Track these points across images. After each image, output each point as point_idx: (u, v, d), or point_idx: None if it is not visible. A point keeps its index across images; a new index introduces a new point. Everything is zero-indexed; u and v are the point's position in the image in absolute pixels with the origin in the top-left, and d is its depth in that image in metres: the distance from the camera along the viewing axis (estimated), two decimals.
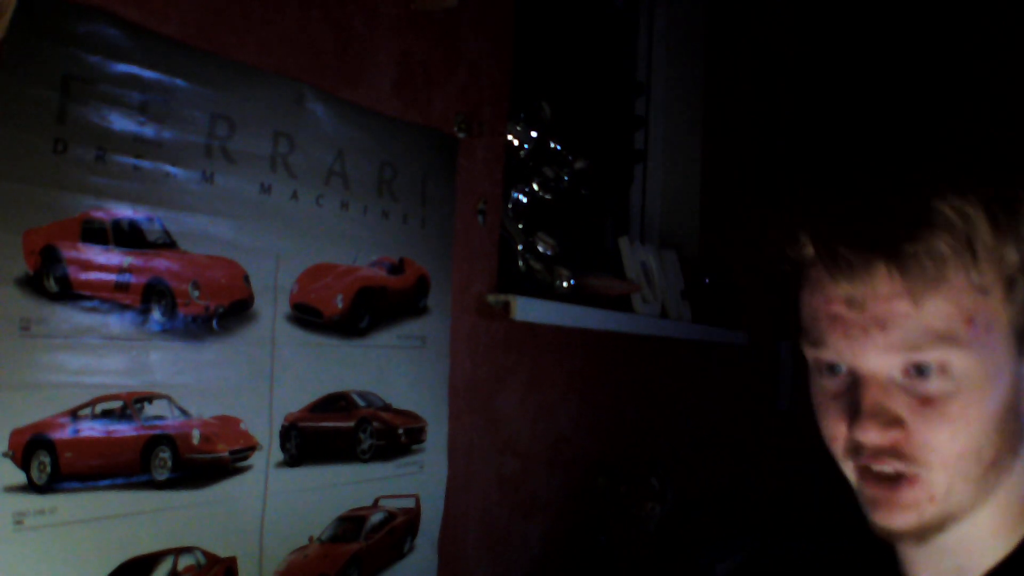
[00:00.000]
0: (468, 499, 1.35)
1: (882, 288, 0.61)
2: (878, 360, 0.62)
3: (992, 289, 0.61)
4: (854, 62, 2.74)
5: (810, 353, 0.68)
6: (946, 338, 0.60)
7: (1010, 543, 0.66)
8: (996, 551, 0.66)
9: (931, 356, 0.61)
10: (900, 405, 0.62)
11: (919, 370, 0.62)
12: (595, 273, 1.70)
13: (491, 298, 1.38)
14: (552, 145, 1.63)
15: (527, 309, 1.38)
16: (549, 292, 1.52)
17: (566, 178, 1.66)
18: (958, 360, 0.61)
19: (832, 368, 0.66)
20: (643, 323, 1.83)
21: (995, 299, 0.62)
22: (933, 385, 0.61)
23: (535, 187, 1.61)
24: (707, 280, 2.25)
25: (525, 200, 1.60)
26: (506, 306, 1.36)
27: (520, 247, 1.52)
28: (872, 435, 0.62)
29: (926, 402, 0.62)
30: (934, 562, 0.67)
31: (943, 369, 0.61)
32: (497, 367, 1.42)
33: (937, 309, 0.60)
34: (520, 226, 1.54)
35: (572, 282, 1.55)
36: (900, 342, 0.61)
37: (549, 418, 1.58)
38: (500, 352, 1.43)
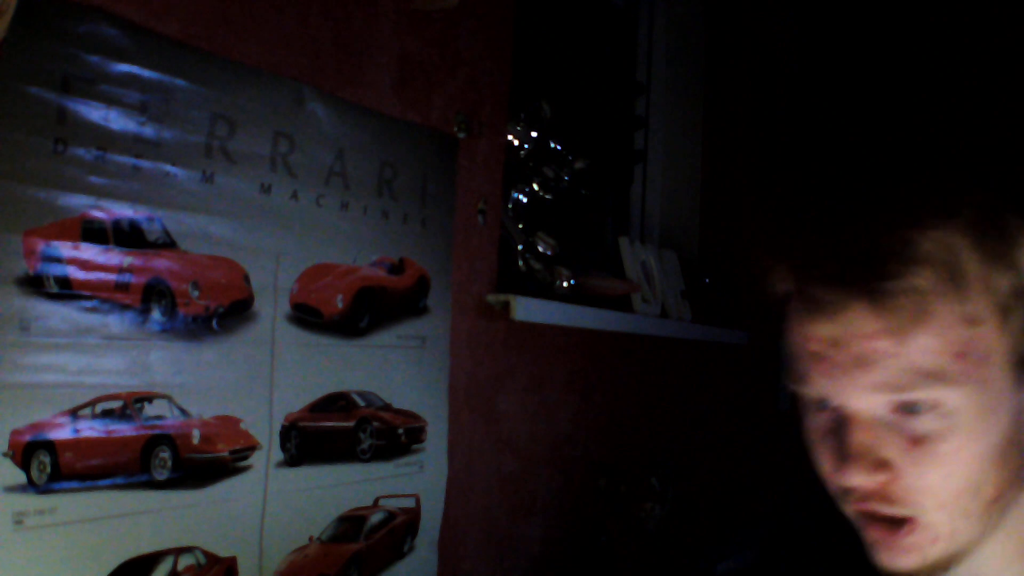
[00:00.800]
0: (468, 499, 1.35)
1: (861, 327, 0.57)
2: (863, 400, 0.59)
3: (985, 319, 0.57)
4: (842, 63, 2.74)
5: (795, 389, 0.64)
6: (934, 376, 0.56)
7: (1020, 570, 0.64)
8: None
9: (919, 396, 0.57)
10: (889, 446, 0.59)
11: (908, 408, 0.58)
12: (595, 273, 1.70)
13: (491, 298, 1.38)
14: (552, 145, 1.63)
15: (527, 309, 1.38)
16: (549, 292, 1.52)
17: (566, 178, 1.66)
18: (950, 398, 0.57)
19: (820, 403, 0.63)
20: (643, 323, 1.83)
21: (989, 329, 0.58)
22: (924, 424, 0.58)
23: (535, 187, 1.61)
24: (707, 280, 2.25)
25: (525, 200, 1.60)
26: (506, 306, 1.36)
27: (520, 247, 1.52)
28: (858, 479, 0.59)
29: (916, 443, 0.58)
30: None
31: (934, 407, 0.57)
32: (497, 367, 1.42)
33: (923, 346, 0.56)
34: (520, 226, 1.54)
35: (572, 282, 1.55)
36: (884, 382, 0.57)
37: (549, 418, 1.58)
38: (500, 352, 1.43)
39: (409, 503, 1.21)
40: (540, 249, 1.53)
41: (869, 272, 0.57)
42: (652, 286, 1.93)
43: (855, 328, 0.58)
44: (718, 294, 2.28)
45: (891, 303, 0.56)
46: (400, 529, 1.19)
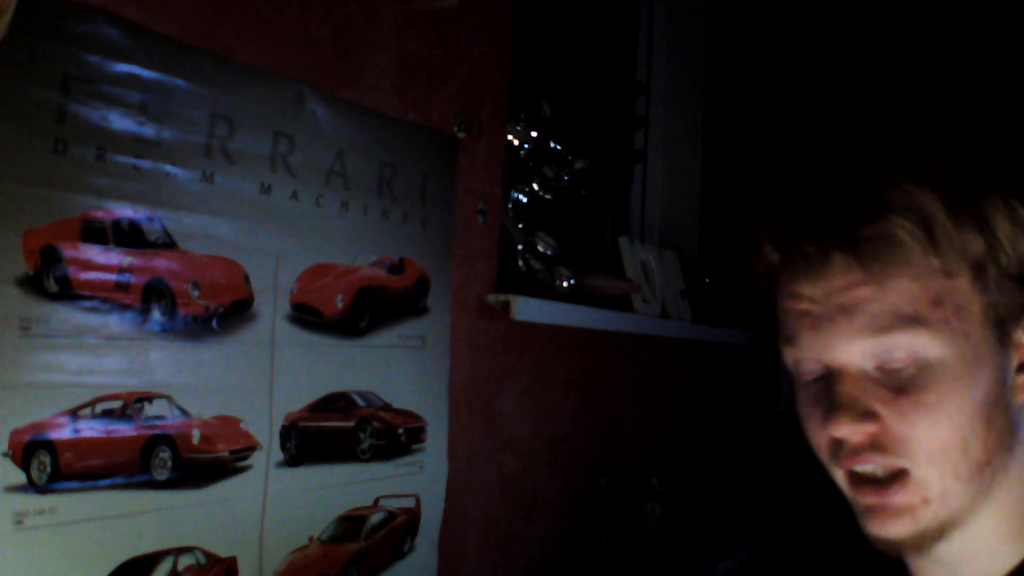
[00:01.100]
0: (468, 499, 1.35)
1: (841, 279, 0.61)
2: (848, 349, 0.62)
3: (958, 273, 0.61)
4: (841, 63, 2.75)
5: (788, 355, 0.67)
6: (913, 320, 0.60)
7: (1020, 551, 0.64)
8: (1006, 560, 0.64)
9: (900, 339, 0.60)
10: (874, 398, 0.61)
11: (891, 360, 0.61)
12: (595, 273, 1.70)
13: (491, 298, 1.38)
14: (552, 145, 1.63)
15: (527, 309, 1.38)
16: (549, 292, 1.52)
17: (566, 178, 1.66)
18: (929, 344, 0.60)
19: (809, 368, 0.65)
20: (643, 323, 1.83)
21: (963, 283, 0.61)
22: (906, 376, 0.61)
23: (535, 187, 1.61)
24: (707, 280, 2.25)
25: (525, 200, 1.60)
26: (506, 306, 1.36)
27: (520, 247, 1.52)
28: (845, 428, 0.61)
29: (900, 391, 0.61)
30: (942, 573, 0.66)
31: (914, 356, 0.60)
32: (497, 367, 1.42)
33: (901, 290, 0.60)
34: (520, 226, 1.54)
35: (572, 282, 1.55)
36: (866, 325, 0.61)
37: (549, 418, 1.58)
38: (500, 352, 1.43)
39: (409, 503, 1.21)
40: (540, 249, 1.53)
41: (846, 222, 0.61)
42: (652, 286, 1.93)
43: (838, 280, 0.62)
44: (718, 294, 2.28)
45: (868, 251, 0.60)
46: (400, 529, 1.19)
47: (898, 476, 0.61)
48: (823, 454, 0.66)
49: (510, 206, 1.56)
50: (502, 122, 1.46)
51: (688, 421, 2.18)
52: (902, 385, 0.61)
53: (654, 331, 1.89)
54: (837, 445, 0.63)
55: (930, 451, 0.60)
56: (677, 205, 2.37)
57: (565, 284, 1.54)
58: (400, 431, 1.19)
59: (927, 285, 0.60)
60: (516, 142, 1.55)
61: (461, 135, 1.32)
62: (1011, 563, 0.64)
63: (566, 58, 1.98)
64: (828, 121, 2.61)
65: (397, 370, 1.19)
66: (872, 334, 0.61)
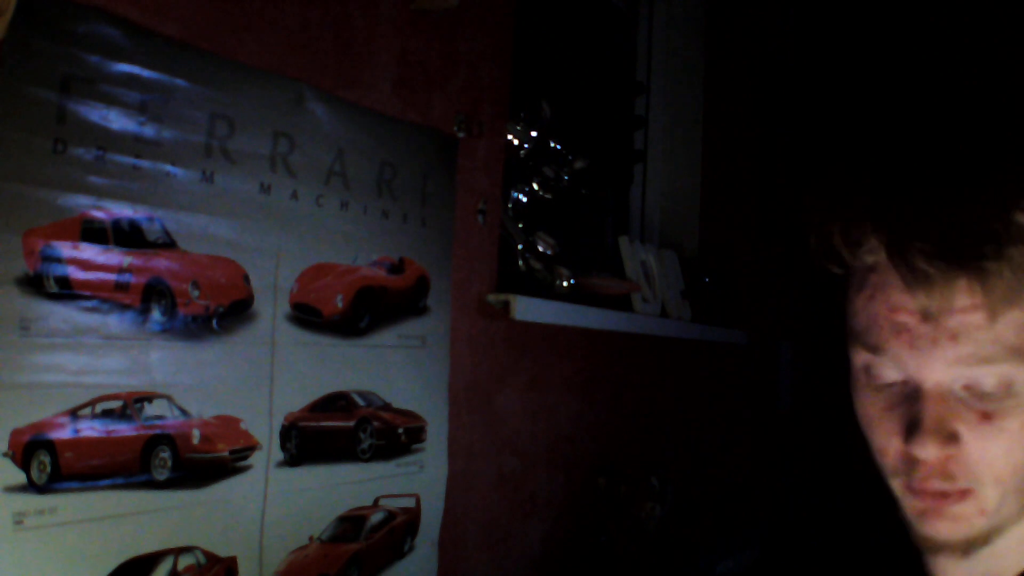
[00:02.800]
0: (468, 499, 1.35)
1: (960, 302, 0.58)
2: (944, 373, 0.60)
3: None
4: (841, 63, 2.71)
5: (863, 358, 0.64)
6: (1017, 352, 0.58)
7: None
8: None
9: (998, 369, 0.59)
10: (959, 420, 0.60)
11: (981, 385, 0.59)
12: (595, 273, 1.70)
13: (491, 298, 1.38)
14: (552, 145, 1.63)
15: (527, 309, 1.38)
16: (549, 292, 1.52)
17: (566, 178, 1.66)
18: (1022, 375, 0.59)
19: (888, 375, 0.63)
20: (643, 323, 1.83)
21: None
22: (994, 399, 0.59)
23: (535, 187, 1.61)
24: (707, 280, 2.25)
25: (525, 200, 1.60)
26: (506, 306, 1.36)
27: (520, 247, 1.52)
28: (930, 451, 0.60)
29: (986, 417, 0.60)
30: (966, 569, 0.66)
31: (1007, 385, 0.59)
32: (497, 367, 1.42)
33: (1012, 323, 0.58)
34: (520, 226, 1.54)
35: (572, 282, 1.55)
36: (970, 355, 0.59)
37: (549, 418, 1.58)
38: (500, 352, 1.43)
39: (409, 503, 1.21)
40: (540, 249, 1.53)
41: (974, 249, 0.57)
42: (652, 286, 1.93)
43: (953, 301, 0.59)
44: (718, 294, 2.28)
45: (994, 280, 0.58)
46: (400, 529, 1.19)
47: (961, 491, 0.61)
48: (886, 461, 0.65)
49: (510, 206, 1.56)
50: (502, 122, 1.46)
51: (688, 421, 2.18)
52: (988, 410, 0.60)
53: (654, 331, 1.89)
54: (911, 462, 0.62)
55: (999, 474, 0.60)
56: (677, 205, 2.37)
57: (565, 284, 1.54)
58: (400, 431, 1.19)
59: None
60: (516, 142, 1.55)
61: (461, 135, 1.32)
62: None
63: (566, 58, 1.98)
64: (827, 119, 2.60)
65: (397, 370, 1.19)
66: (974, 364, 0.59)
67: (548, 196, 1.64)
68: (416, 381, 1.22)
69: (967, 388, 0.60)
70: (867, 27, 2.74)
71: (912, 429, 0.61)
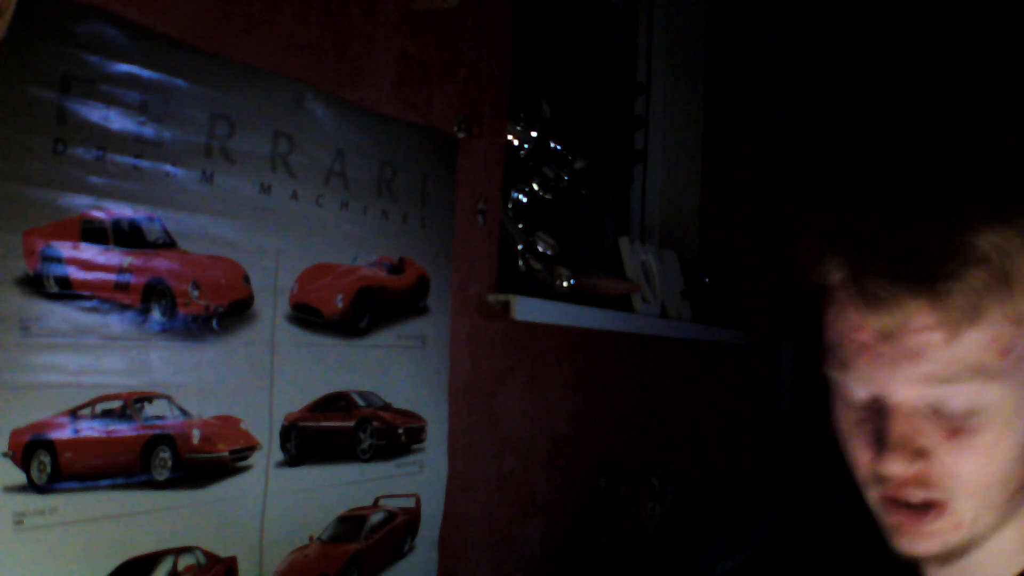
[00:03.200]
0: (468, 499, 1.35)
1: (916, 321, 0.59)
2: (908, 392, 0.60)
3: None
4: (866, 63, 2.70)
5: (835, 376, 0.65)
6: (979, 371, 0.58)
7: None
8: (1017, 564, 0.65)
9: (963, 389, 0.59)
10: (926, 436, 0.60)
11: (948, 402, 0.60)
12: (595, 273, 1.70)
13: (491, 298, 1.38)
14: (552, 145, 1.63)
15: (527, 309, 1.38)
16: (549, 292, 1.52)
17: (566, 178, 1.66)
18: (989, 393, 0.59)
19: (857, 393, 0.64)
20: (643, 323, 1.83)
21: None
22: (961, 417, 0.60)
23: (535, 187, 1.61)
24: (707, 280, 2.25)
25: (525, 200, 1.60)
26: (506, 306, 1.36)
27: (520, 247, 1.52)
28: (897, 468, 0.60)
29: (954, 433, 0.60)
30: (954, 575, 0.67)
31: (973, 402, 0.59)
32: (497, 367, 1.42)
33: (972, 342, 0.58)
34: (520, 226, 1.54)
35: (572, 282, 1.55)
36: (931, 375, 0.59)
37: (549, 418, 1.58)
38: (500, 352, 1.43)
39: (409, 503, 1.21)
40: (540, 249, 1.53)
41: (929, 270, 0.58)
42: (652, 286, 1.93)
43: (910, 321, 0.59)
44: (718, 294, 2.28)
45: (949, 300, 0.58)
46: (400, 529, 1.19)
47: (935, 504, 0.62)
48: (861, 475, 0.65)
49: (510, 206, 1.56)
50: (502, 122, 1.46)
51: (688, 421, 2.18)
52: (956, 427, 0.60)
53: (654, 331, 1.89)
54: (882, 477, 0.62)
55: (972, 488, 0.61)
56: (677, 205, 2.37)
57: (565, 284, 1.54)
58: (400, 431, 1.19)
59: (998, 335, 0.59)
60: (516, 142, 1.55)
61: (461, 135, 1.32)
62: (1019, 566, 0.65)
63: (566, 58, 1.98)
64: (827, 120, 2.60)
65: (397, 370, 1.19)
66: (936, 383, 0.59)
67: (548, 196, 1.64)
68: (416, 381, 1.22)
69: (933, 407, 0.60)
70: (830, 58, 2.74)
71: (880, 445, 0.62)
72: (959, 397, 0.59)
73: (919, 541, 0.62)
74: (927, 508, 0.62)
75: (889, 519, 0.64)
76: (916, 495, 0.61)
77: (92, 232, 0.82)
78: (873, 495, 0.65)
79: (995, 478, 0.60)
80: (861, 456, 0.64)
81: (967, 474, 0.60)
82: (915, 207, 0.60)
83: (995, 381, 0.59)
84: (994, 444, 0.60)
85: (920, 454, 0.61)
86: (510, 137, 1.53)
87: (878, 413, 0.62)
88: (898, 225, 0.60)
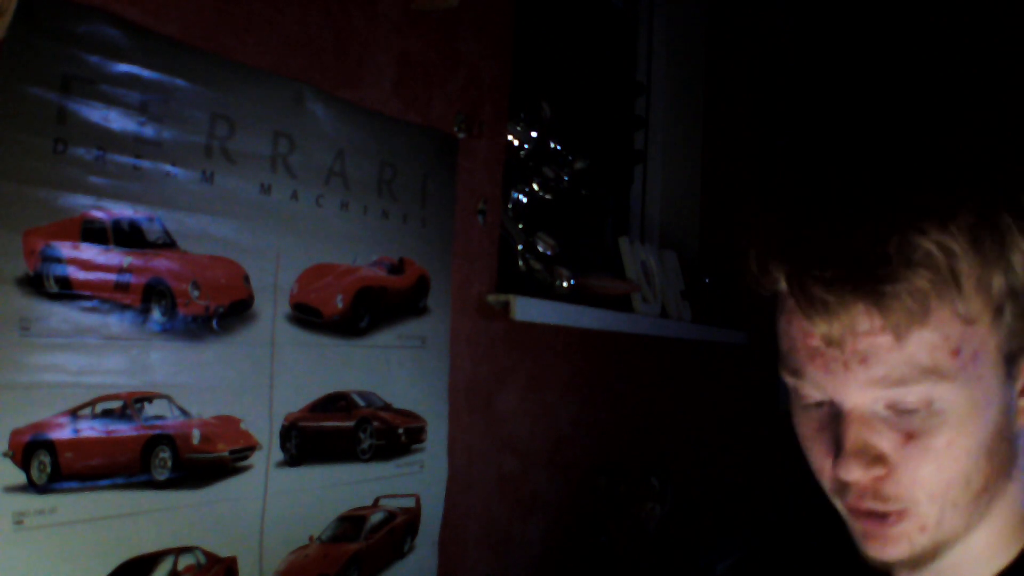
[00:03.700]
0: (468, 499, 1.35)
1: (861, 325, 0.58)
2: (860, 395, 0.60)
3: (979, 318, 0.59)
4: (843, 63, 2.72)
5: (790, 382, 0.65)
6: (931, 371, 0.58)
7: (1006, 558, 0.65)
8: (992, 566, 0.65)
9: (915, 390, 0.58)
10: (883, 440, 0.60)
11: (902, 404, 0.59)
12: (595, 273, 1.70)
13: (491, 298, 1.38)
14: (552, 145, 1.63)
15: (527, 309, 1.38)
16: (549, 292, 1.52)
17: (566, 178, 1.66)
18: (943, 393, 0.58)
19: (813, 398, 0.64)
20: (643, 323, 1.83)
21: (983, 327, 0.59)
22: (917, 420, 0.59)
23: (535, 187, 1.61)
24: (707, 280, 2.25)
25: (525, 200, 1.60)
26: (506, 306, 1.36)
27: (520, 247, 1.52)
28: (855, 474, 0.60)
29: (910, 437, 0.60)
30: None
31: (928, 403, 0.59)
32: (497, 367, 1.42)
33: (921, 342, 0.58)
34: (520, 226, 1.54)
35: (572, 282, 1.55)
36: (882, 377, 0.58)
37: (549, 418, 1.58)
38: (500, 352, 1.43)
39: (409, 503, 1.21)
40: (540, 249, 1.53)
41: (871, 275, 0.57)
42: (652, 286, 1.93)
43: (854, 326, 0.58)
44: (718, 294, 2.28)
45: (893, 304, 0.57)
46: (400, 529, 1.19)
47: (898, 511, 0.61)
48: (825, 483, 0.65)
49: (510, 206, 1.56)
50: (502, 122, 1.46)
51: (688, 421, 2.18)
52: (912, 430, 0.60)
53: (654, 331, 1.89)
54: (843, 485, 0.62)
55: (933, 491, 0.60)
56: (677, 205, 2.37)
57: (565, 284, 1.54)
58: (400, 431, 1.19)
59: (948, 334, 0.58)
60: (516, 142, 1.55)
61: (461, 135, 1.32)
62: (999, 567, 0.65)
63: (566, 58, 1.98)
64: (826, 120, 2.60)
65: (397, 370, 1.19)
66: (888, 385, 0.59)
67: (548, 196, 1.64)
68: (416, 381, 1.22)
69: (889, 407, 0.60)
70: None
71: (837, 453, 0.61)
72: (912, 398, 0.59)
73: (887, 547, 0.62)
74: (889, 514, 0.61)
75: (856, 526, 0.64)
76: (877, 505, 0.61)
77: (92, 232, 0.82)
78: (839, 504, 0.65)
79: (955, 479, 0.60)
80: (823, 464, 0.64)
81: (925, 478, 0.60)
82: (854, 213, 0.60)
83: (948, 381, 0.58)
84: (951, 444, 0.59)
85: (877, 460, 0.60)
86: (510, 137, 1.53)
87: (835, 419, 0.62)
88: (839, 230, 0.60)
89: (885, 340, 0.58)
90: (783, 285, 0.63)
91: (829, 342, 0.60)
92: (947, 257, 0.57)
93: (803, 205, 0.63)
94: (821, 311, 0.59)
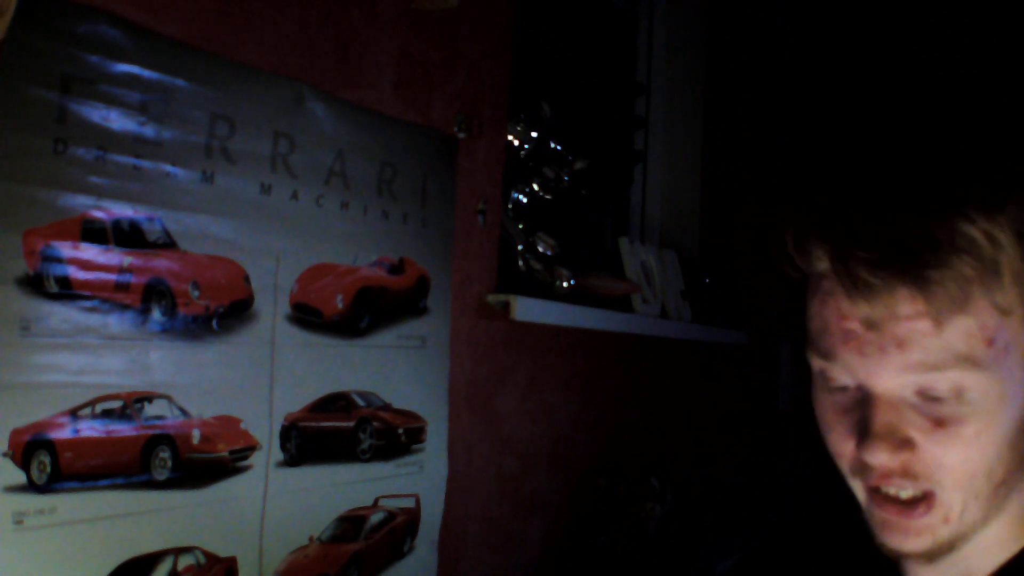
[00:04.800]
0: (468, 499, 1.35)
1: (903, 309, 0.58)
2: (893, 380, 0.60)
3: (1014, 310, 0.59)
4: (862, 56, 2.71)
5: (818, 364, 0.65)
6: (966, 359, 0.58)
7: (1014, 548, 0.66)
8: (997, 558, 0.66)
9: (948, 377, 0.59)
10: (911, 425, 0.60)
11: (933, 391, 0.59)
12: (595, 273, 1.70)
13: (491, 298, 1.38)
14: (552, 145, 1.63)
15: (527, 309, 1.38)
16: (549, 292, 1.52)
17: (566, 178, 1.66)
18: (975, 382, 0.59)
19: (841, 381, 0.64)
20: (643, 323, 1.83)
21: (1016, 319, 0.59)
22: (947, 407, 0.60)
23: (535, 187, 1.61)
24: (707, 280, 2.25)
25: (525, 200, 1.60)
26: (506, 306, 1.36)
27: (520, 247, 1.52)
28: (882, 457, 0.60)
29: (939, 423, 0.60)
30: (937, 570, 0.67)
31: (959, 391, 0.59)
32: (497, 367, 1.42)
33: (959, 330, 0.58)
34: (520, 226, 1.54)
35: (572, 282, 1.55)
36: (918, 362, 0.59)
37: (549, 418, 1.58)
38: (500, 352, 1.43)
39: (409, 503, 1.21)
40: (540, 249, 1.53)
41: (916, 258, 0.57)
42: (652, 286, 1.93)
43: (896, 310, 0.59)
44: (718, 294, 2.28)
45: (937, 289, 0.57)
46: (400, 529, 1.19)
47: (923, 498, 0.61)
48: (844, 465, 0.65)
49: (510, 206, 1.56)
50: (502, 122, 1.46)
51: (688, 421, 2.18)
52: (941, 417, 0.60)
53: (654, 331, 1.89)
54: (866, 466, 0.62)
55: (958, 478, 0.60)
56: (677, 205, 2.37)
57: (565, 284, 1.54)
58: (400, 431, 1.19)
59: (985, 324, 0.58)
60: (516, 142, 1.55)
61: (461, 135, 1.32)
62: (1001, 559, 0.66)
63: (566, 58, 1.98)
64: (826, 120, 2.60)
65: (397, 370, 1.19)
66: (923, 371, 0.59)
67: (548, 197, 1.64)
68: (416, 381, 1.22)
69: (920, 393, 0.60)
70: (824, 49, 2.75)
71: (864, 434, 0.61)
72: (943, 385, 0.59)
73: (908, 538, 0.62)
74: (915, 503, 0.61)
75: (877, 514, 0.64)
76: (903, 486, 0.61)
77: (92, 232, 0.82)
78: (858, 487, 0.65)
79: (980, 469, 0.60)
80: (844, 446, 0.64)
81: (952, 464, 0.60)
82: (903, 196, 0.60)
83: (980, 370, 0.58)
84: (979, 434, 0.60)
85: (904, 444, 0.60)
86: (510, 137, 1.53)
87: (862, 402, 0.62)
88: (886, 213, 0.59)
89: (924, 325, 0.58)
90: (822, 265, 0.63)
91: (869, 325, 0.60)
92: (992, 247, 0.58)
93: (850, 185, 0.63)
94: (864, 292, 0.59)
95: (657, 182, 2.33)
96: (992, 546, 0.65)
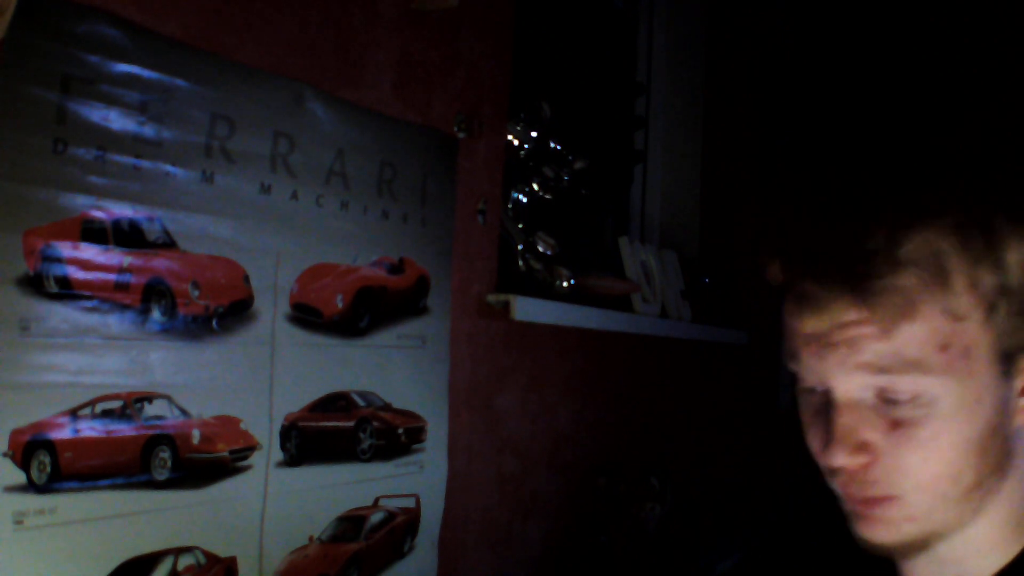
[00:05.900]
0: (468, 499, 1.35)
1: (850, 316, 0.60)
2: (849, 381, 0.62)
3: (969, 315, 0.60)
4: (842, 64, 2.72)
5: (792, 367, 0.68)
6: (918, 365, 0.59)
7: (1010, 553, 0.66)
8: (995, 561, 0.66)
9: (902, 381, 0.60)
10: (871, 429, 0.62)
11: (891, 395, 0.61)
12: (595, 273, 1.70)
13: (491, 298, 1.38)
14: (552, 145, 1.63)
15: (527, 309, 1.38)
16: (549, 292, 1.52)
17: (566, 178, 1.66)
18: (930, 386, 0.60)
19: (810, 385, 0.66)
20: (643, 323, 1.83)
21: (973, 324, 0.60)
22: (904, 410, 0.61)
23: (535, 187, 1.61)
24: (707, 280, 2.25)
25: (525, 200, 1.60)
26: (506, 306, 1.36)
27: (520, 247, 1.52)
28: (841, 460, 0.62)
29: (895, 425, 0.61)
30: (933, 571, 0.67)
31: (915, 395, 0.60)
32: (497, 367, 1.42)
33: (908, 337, 0.59)
34: (520, 226, 1.54)
35: (572, 282, 1.55)
36: (869, 363, 0.60)
37: (549, 418, 1.58)
38: (500, 352, 1.43)
39: (409, 503, 1.21)
40: (540, 249, 1.53)
41: (856, 270, 0.60)
42: (652, 286, 1.93)
43: (843, 318, 0.61)
44: (718, 294, 2.28)
45: (880, 300, 0.59)
46: (400, 529, 1.19)
47: (886, 497, 0.63)
48: (820, 464, 0.67)
49: (510, 206, 1.56)
50: (502, 122, 1.46)
51: (688, 421, 2.18)
52: (899, 419, 0.61)
53: (654, 331, 1.89)
54: (833, 469, 0.64)
55: (920, 481, 0.62)
56: (677, 205, 2.37)
57: (565, 284, 1.54)
58: (400, 431, 1.19)
59: (936, 329, 0.59)
60: (516, 142, 1.55)
61: (461, 135, 1.32)
62: (1000, 563, 0.66)
63: (566, 58, 1.98)
64: (826, 120, 2.60)
65: (397, 370, 1.19)
66: (874, 372, 0.60)
67: (548, 196, 1.64)
68: (416, 381, 1.22)
69: (880, 396, 0.61)
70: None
71: (827, 439, 0.63)
72: (903, 388, 0.60)
73: (876, 529, 0.64)
74: (879, 499, 0.63)
75: (848, 507, 0.66)
76: (866, 490, 0.63)
77: (92, 232, 0.82)
78: (834, 487, 0.67)
79: (942, 472, 0.61)
80: (817, 447, 0.66)
81: (910, 468, 0.61)
82: (846, 209, 0.62)
83: (935, 375, 0.59)
84: (936, 437, 0.60)
85: (863, 447, 0.62)
86: (510, 137, 1.53)
87: (828, 406, 0.64)
88: (829, 227, 0.62)
89: (872, 330, 0.60)
90: (780, 280, 0.66)
91: (822, 331, 0.62)
92: (934, 255, 0.59)
93: (798, 203, 0.66)
94: (811, 305, 0.62)
95: (657, 182, 2.33)
96: (985, 548, 0.66)
